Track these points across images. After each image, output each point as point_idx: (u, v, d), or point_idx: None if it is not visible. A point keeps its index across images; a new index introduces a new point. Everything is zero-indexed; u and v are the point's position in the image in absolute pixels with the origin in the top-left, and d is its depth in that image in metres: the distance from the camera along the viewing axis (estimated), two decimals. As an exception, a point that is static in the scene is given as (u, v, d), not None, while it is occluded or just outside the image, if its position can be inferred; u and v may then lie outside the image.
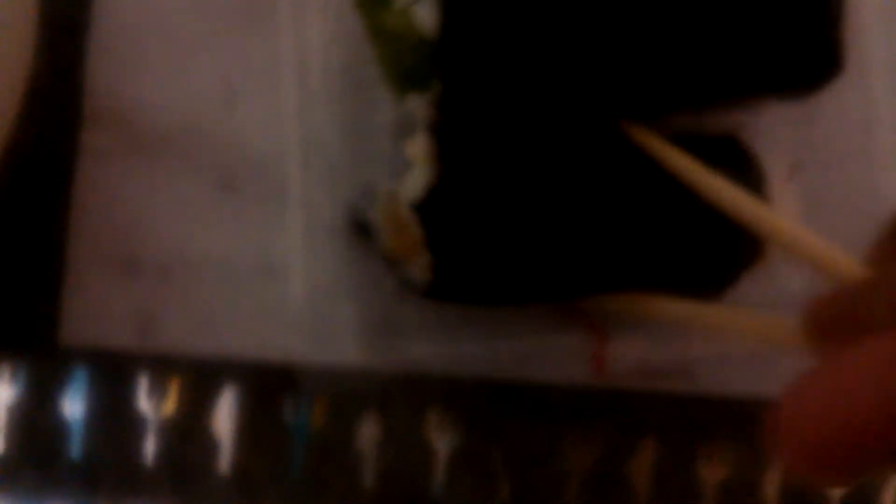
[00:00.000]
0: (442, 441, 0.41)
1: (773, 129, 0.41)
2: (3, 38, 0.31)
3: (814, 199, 0.41)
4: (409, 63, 0.37)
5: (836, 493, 0.42)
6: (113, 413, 0.41)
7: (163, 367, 0.41)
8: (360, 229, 0.38)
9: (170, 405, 0.41)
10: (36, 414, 0.40)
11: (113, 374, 0.41)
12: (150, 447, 0.40)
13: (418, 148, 0.36)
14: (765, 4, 0.37)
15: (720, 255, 0.39)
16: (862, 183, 0.41)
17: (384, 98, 0.39)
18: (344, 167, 0.41)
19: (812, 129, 0.42)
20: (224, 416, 0.41)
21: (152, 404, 0.41)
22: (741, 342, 0.40)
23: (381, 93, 0.39)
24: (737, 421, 0.42)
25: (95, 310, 0.41)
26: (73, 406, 0.40)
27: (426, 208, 0.36)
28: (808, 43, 0.38)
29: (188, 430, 0.41)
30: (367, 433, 0.41)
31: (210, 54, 0.42)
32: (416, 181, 0.36)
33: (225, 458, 0.41)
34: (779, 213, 0.37)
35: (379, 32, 0.37)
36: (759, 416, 0.41)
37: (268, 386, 0.41)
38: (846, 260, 0.31)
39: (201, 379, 0.41)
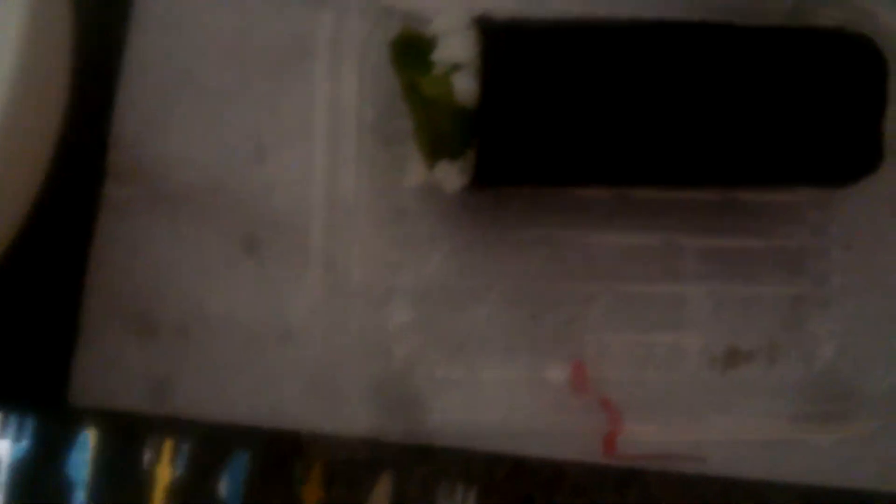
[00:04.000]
0: (453, 512, 0.40)
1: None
2: (40, 88, 0.30)
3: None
4: (444, 129, 0.36)
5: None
6: (119, 474, 0.39)
7: (173, 430, 0.40)
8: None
9: (178, 468, 0.40)
10: (40, 472, 0.39)
11: (121, 436, 0.40)
12: (156, 511, 0.39)
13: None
14: (808, 100, 0.37)
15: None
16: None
17: (414, 157, 0.39)
18: (369, 228, 0.40)
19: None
20: (232, 481, 0.40)
21: (160, 467, 0.40)
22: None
23: (412, 151, 0.39)
24: (748, 500, 0.41)
25: (108, 369, 0.40)
26: (79, 466, 0.39)
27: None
28: (849, 141, 0.38)
29: (195, 494, 0.40)
30: (378, 502, 0.40)
31: (240, 109, 0.42)
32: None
33: (231, 525, 0.40)
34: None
35: (416, 97, 0.37)
36: (771, 497, 0.41)
37: (277, 453, 0.40)
38: None
39: (211, 444, 0.40)
